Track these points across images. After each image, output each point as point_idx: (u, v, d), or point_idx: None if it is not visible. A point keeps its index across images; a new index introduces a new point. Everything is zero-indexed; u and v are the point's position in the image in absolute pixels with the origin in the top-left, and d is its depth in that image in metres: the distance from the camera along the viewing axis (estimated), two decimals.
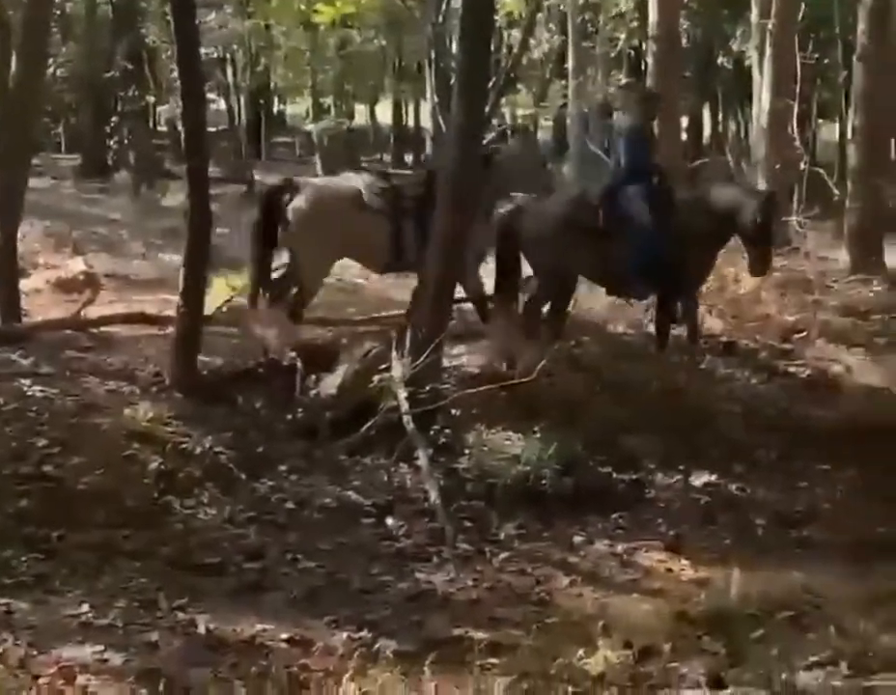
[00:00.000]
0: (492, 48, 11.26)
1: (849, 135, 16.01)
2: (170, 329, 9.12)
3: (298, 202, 9.64)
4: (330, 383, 8.51)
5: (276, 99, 36.46)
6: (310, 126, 27.31)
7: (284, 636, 5.46)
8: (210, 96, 29.17)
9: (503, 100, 16.74)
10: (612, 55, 23.68)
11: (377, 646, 5.22)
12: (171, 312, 9.29)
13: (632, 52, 26.40)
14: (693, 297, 10.30)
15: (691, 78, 28.58)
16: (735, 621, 5.06)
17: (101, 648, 5.15)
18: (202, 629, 5.49)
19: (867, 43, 13.86)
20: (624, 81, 11.58)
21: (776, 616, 5.14)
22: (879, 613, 5.11)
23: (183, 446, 7.61)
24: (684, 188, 11.30)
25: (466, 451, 8.03)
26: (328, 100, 27.58)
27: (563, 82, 21.92)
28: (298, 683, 4.52)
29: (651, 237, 9.68)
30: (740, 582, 6.32)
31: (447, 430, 8.20)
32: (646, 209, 9.80)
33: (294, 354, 9.02)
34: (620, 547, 7.37)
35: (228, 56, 28.48)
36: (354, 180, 10.07)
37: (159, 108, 28.73)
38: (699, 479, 8.56)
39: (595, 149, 18.16)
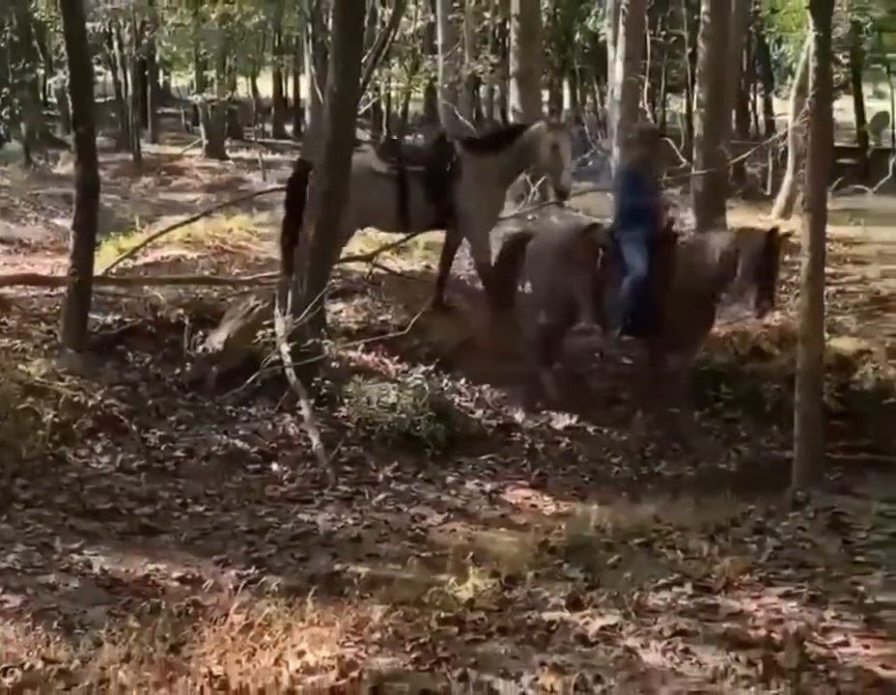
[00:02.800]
0: (366, 24, 11.08)
1: (694, 107, 16.18)
2: (61, 289, 8.90)
3: None
4: (216, 339, 8.43)
5: (161, 72, 35.65)
6: (194, 98, 26.85)
7: (175, 575, 5.42)
8: (98, 68, 28.46)
9: (377, 73, 16.63)
10: (478, 32, 23.65)
11: (262, 581, 5.21)
12: (62, 273, 9.09)
13: (497, 29, 26.41)
14: (688, 356, 9.04)
15: (551, 54, 28.74)
16: (592, 549, 5.16)
17: (0, 590, 5.05)
18: (97, 570, 5.42)
19: (710, 22, 14.06)
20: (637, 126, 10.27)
21: (629, 543, 5.24)
22: (719, 538, 5.25)
23: (76, 399, 7.47)
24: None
25: (346, 400, 8.03)
26: (211, 73, 27.05)
27: (433, 57, 21.83)
28: (188, 617, 4.48)
29: (643, 285, 8.58)
30: (597, 514, 6.47)
31: (328, 382, 8.18)
32: (641, 255, 8.68)
33: (181, 311, 8.91)
34: (489, 486, 7.48)
35: (114, 30, 27.80)
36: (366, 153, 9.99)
37: (49, 80, 27.95)
38: (560, 423, 8.69)
39: (464, 120, 18.17)
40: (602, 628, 4.15)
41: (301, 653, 3.83)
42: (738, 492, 6.79)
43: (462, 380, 8.90)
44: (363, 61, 9.31)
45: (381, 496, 7.00)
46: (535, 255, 9.23)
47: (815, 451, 6.77)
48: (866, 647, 4.01)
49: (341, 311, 9.79)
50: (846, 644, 4.05)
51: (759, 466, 7.91)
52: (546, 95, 27.77)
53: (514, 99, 14.54)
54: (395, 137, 10.72)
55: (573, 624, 4.20)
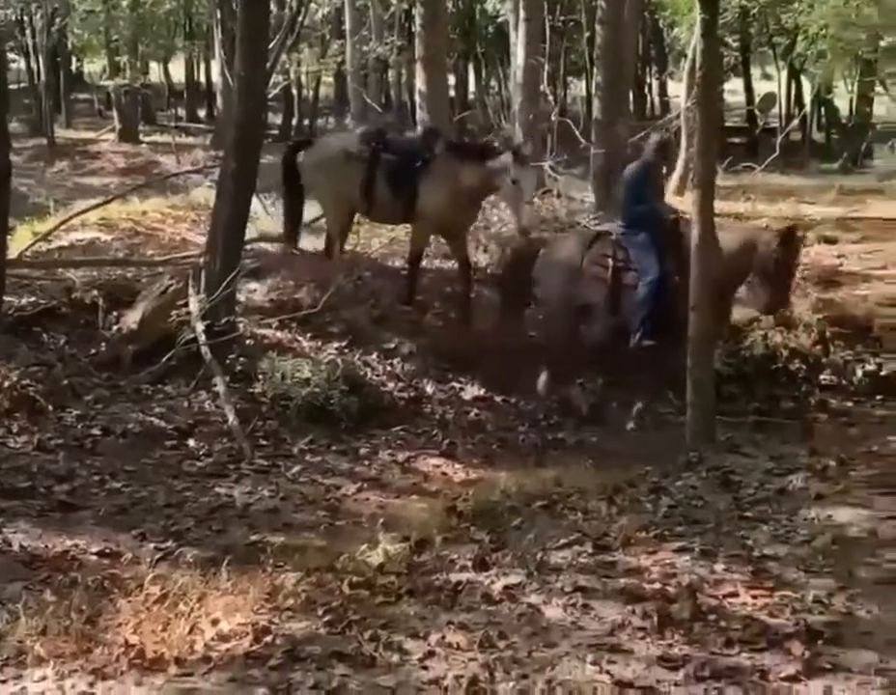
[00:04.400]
0: (274, 9, 10.96)
1: (593, 90, 16.31)
2: None
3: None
4: (131, 318, 8.30)
5: (74, 58, 34.91)
6: (107, 83, 26.36)
7: (94, 550, 5.34)
8: (11, 56, 27.78)
9: (286, 58, 16.42)
10: (385, 18, 23.53)
11: (178, 552, 5.17)
12: None
13: (403, 15, 26.30)
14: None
15: (457, 39, 28.71)
16: (498, 512, 5.21)
17: None
18: (16, 547, 5.31)
19: (606, 7, 14.16)
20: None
21: (533, 506, 5.31)
22: (618, 499, 5.34)
23: None
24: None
25: (261, 377, 7.98)
26: (123, 58, 26.57)
27: (341, 41, 21.68)
28: (104, 590, 4.42)
29: (658, 288, 8.33)
30: (503, 480, 6.53)
31: (243, 359, 8.12)
32: (653, 259, 8.42)
33: (96, 293, 8.75)
34: (401, 456, 7.50)
35: (26, 17, 27.19)
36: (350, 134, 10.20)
37: None
38: (470, 393, 8.74)
39: (371, 103, 18.09)
40: (507, 587, 4.20)
41: (216, 622, 3.81)
42: (635, 454, 6.93)
43: (374, 355, 8.89)
44: (270, 46, 9.22)
45: (297, 468, 6.97)
46: (544, 267, 8.85)
47: (707, 414, 6.91)
48: (754, 597, 4.11)
49: (255, 290, 9.70)
50: (735, 594, 4.15)
51: (657, 430, 8.01)
52: (451, 78, 27.77)
53: (420, 83, 14.48)
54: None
55: (479, 584, 4.24)
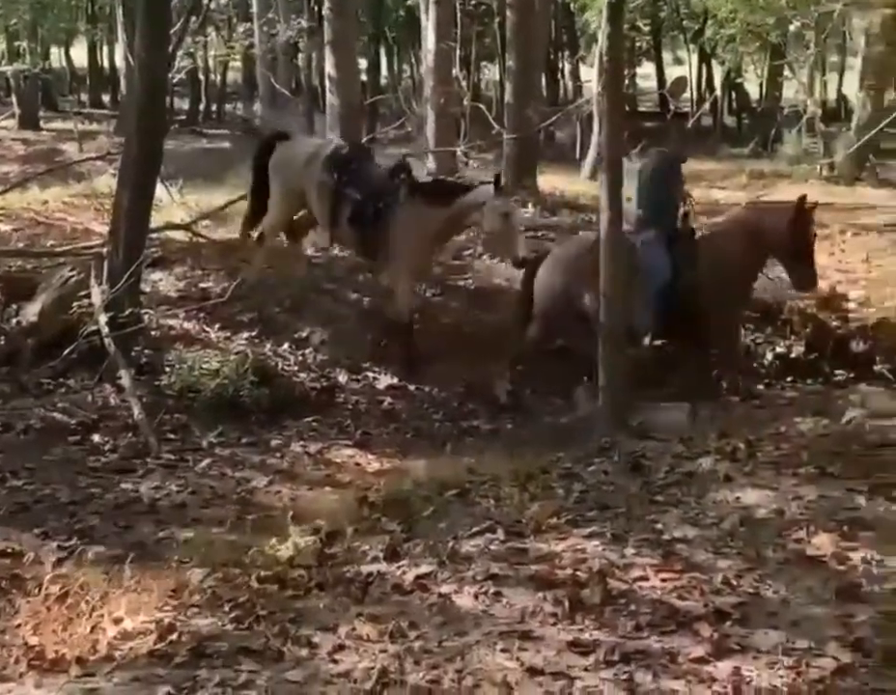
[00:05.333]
0: None
1: (505, 74, 16.39)
2: None
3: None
4: (31, 311, 8.15)
5: None
6: (5, 69, 25.77)
7: None
8: None
9: (190, 41, 16.21)
10: (293, 0, 23.35)
11: (79, 550, 5.08)
12: None
13: None
14: (730, 347, 8.51)
15: (367, 22, 28.61)
16: (410, 502, 5.22)
17: None
18: None
19: None
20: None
21: (445, 495, 5.32)
22: (530, 485, 5.38)
23: None
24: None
25: (168, 369, 7.88)
26: (23, 43, 26.00)
27: (248, 25, 21.45)
28: (3, 591, 4.33)
29: (669, 286, 8.19)
30: (416, 469, 6.54)
31: (148, 351, 8.01)
32: (663, 257, 8.28)
33: None
34: (314, 447, 7.47)
35: None
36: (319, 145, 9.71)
37: None
38: (383, 383, 8.73)
39: (280, 88, 17.93)
40: (418, 577, 4.20)
41: (119, 620, 3.76)
42: (549, 441, 6.99)
43: (286, 345, 8.84)
44: (173, 30, 9.08)
45: (206, 462, 6.91)
46: (548, 276, 8.64)
47: (619, 399, 6.99)
48: (663, 580, 4.17)
49: (160, 280, 9.58)
50: (645, 578, 4.20)
51: (571, 417, 8.08)
52: (363, 62, 27.65)
53: (330, 67, 14.39)
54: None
55: (390, 575, 4.24)
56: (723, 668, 3.52)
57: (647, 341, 8.37)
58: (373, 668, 3.46)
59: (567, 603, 3.93)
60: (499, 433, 8.08)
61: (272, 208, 9.59)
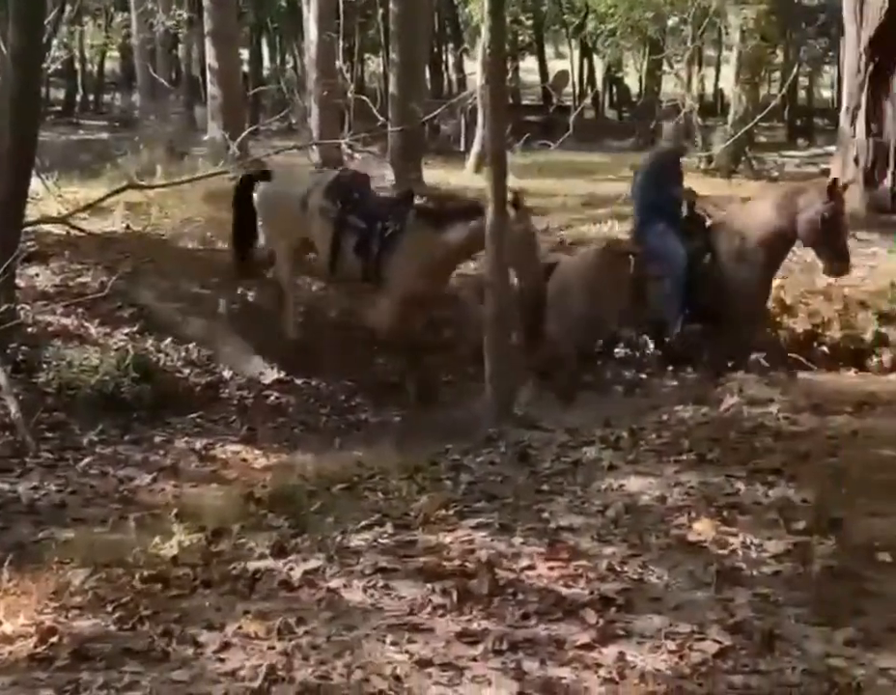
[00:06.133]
0: None
1: (381, 65, 16.41)
2: None
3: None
4: None
5: None
6: None
7: None
8: None
9: (66, 30, 15.78)
10: None
11: None
12: None
13: None
14: (747, 333, 8.39)
15: (248, 12, 28.28)
16: (297, 497, 5.18)
17: None
18: None
19: None
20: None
21: (333, 489, 5.30)
22: (418, 477, 5.39)
23: None
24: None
25: (45, 366, 7.69)
26: None
27: (126, 14, 21.01)
28: None
29: (687, 274, 8.17)
30: (304, 464, 6.50)
31: (24, 348, 7.80)
32: (675, 245, 8.25)
33: None
34: (199, 443, 7.38)
35: None
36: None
37: None
38: (269, 377, 8.66)
39: (160, 79, 17.62)
40: (306, 572, 4.17)
41: None
42: (438, 434, 7.02)
43: (168, 340, 8.69)
44: (48, 19, 8.84)
45: (87, 461, 6.77)
46: (562, 284, 8.58)
47: (505, 390, 7.05)
48: (550, 568, 4.21)
49: (37, 274, 9.34)
50: (532, 567, 4.24)
51: (460, 408, 8.12)
52: (244, 53, 27.35)
53: (211, 58, 14.21)
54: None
55: (277, 571, 4.20)
56: (608, 654, 3.58)
57: (678, 328, 8.26)
58: (260, 666, 3.42)
59: (455, 594, 3.94)
60: (388, 426, 8.09)
61: (277, 254, 9.24)
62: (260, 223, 9.41)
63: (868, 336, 9.02)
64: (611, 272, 8.42)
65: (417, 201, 9.47)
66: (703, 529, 4.59)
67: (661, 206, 8.36)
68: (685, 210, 8.53)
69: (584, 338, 8.60)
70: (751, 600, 3.96)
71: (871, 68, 13.24)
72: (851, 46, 13.75)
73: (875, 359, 8.71)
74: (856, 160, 13.61)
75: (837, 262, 7.93)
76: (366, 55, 29.93)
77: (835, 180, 8.18)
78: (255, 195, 9.31)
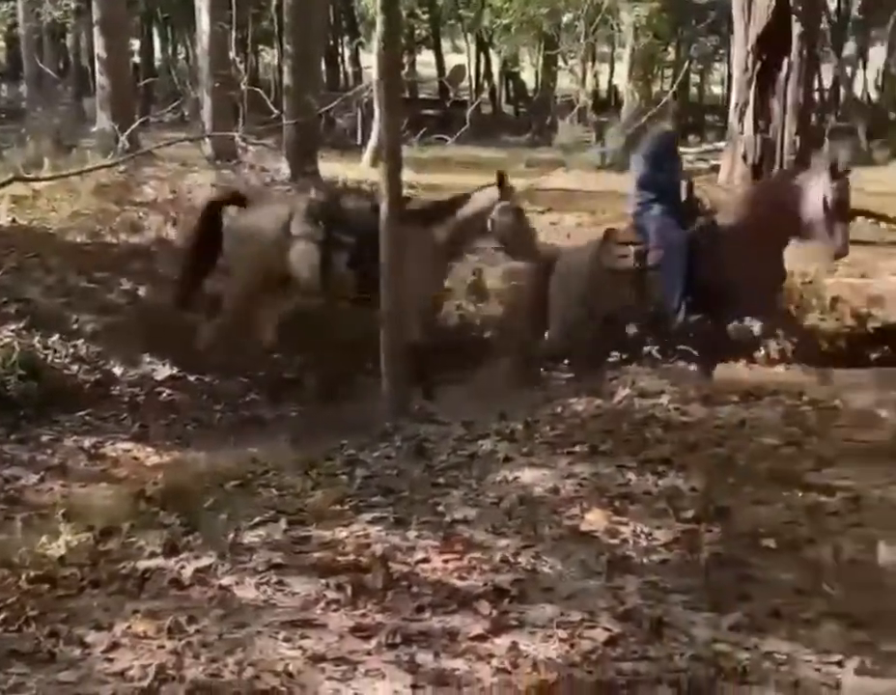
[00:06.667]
0: None
1: (276, 58, 16.30)
2: None
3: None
4: None
5: None
6: None
7: None
8: None
9: None
10: None
11: None
12: None
13: None
14: (772, 309, 8.34)
15: (139, 3, 27.80)
16: (189, 494, 5.13)
17: None
18: None
19: None
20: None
21: (226, 486, 5.26)
22: (313, 473, 5.38)
23: None
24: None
25: None
26: None
27: (12, 3, 20.49)
28: None
29: (686, 258, 8.04)
30: (197, 461, 6.44)
31: None
32: (674, 230, 8.15)
33: None
34: (88, 442, 7.26)
35: None
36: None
37: None
38: (161, 373, 8.55)
39: (47, 69, 17.23)
40: (198, 570, 4.13)
41: None
42: (334, 429, 7.00)
43: (56, 336, 8.52)
44: None
45: None
46: (563, 279, 8.45)
47: (402, 384, 7.07)
48: (445, 561, 4.24)
49: None
50: (427, 560, 4.26)
51: (358, 403, 8.11)
52: (135, 43, 26.90)
53: (99, 48, 13.94)
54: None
55: (168, 569, 4.15)
56: (501, 644, 3.62)
57: (682, 316, 8.09)
58: (150, 665, 3.39)
59: (349, 589, 3.94)
60: (284, 422, 8.04)
61: (237, 283, 8.72)
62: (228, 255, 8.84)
63: (756, 329, 9.23)
64: (611, 260, 8.34)
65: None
66: (595, 519, 4.66)
67: (660, 189, 8.25)
68: (684, 194, 8.43)
69: (584, 331, 8.42)
70: (641, 588, 4.04)
71: (759, 65, 13.56)
72: (739, 44, 14.06)
73: (762, 351, 8.90)
74: (745, 156, 13.94)
75: (840, 242, 7.86)
76: (260, 47, 29.62)
77: (835, 162, 8.07)
78: (228, 224, 8.82)
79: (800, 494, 5.00)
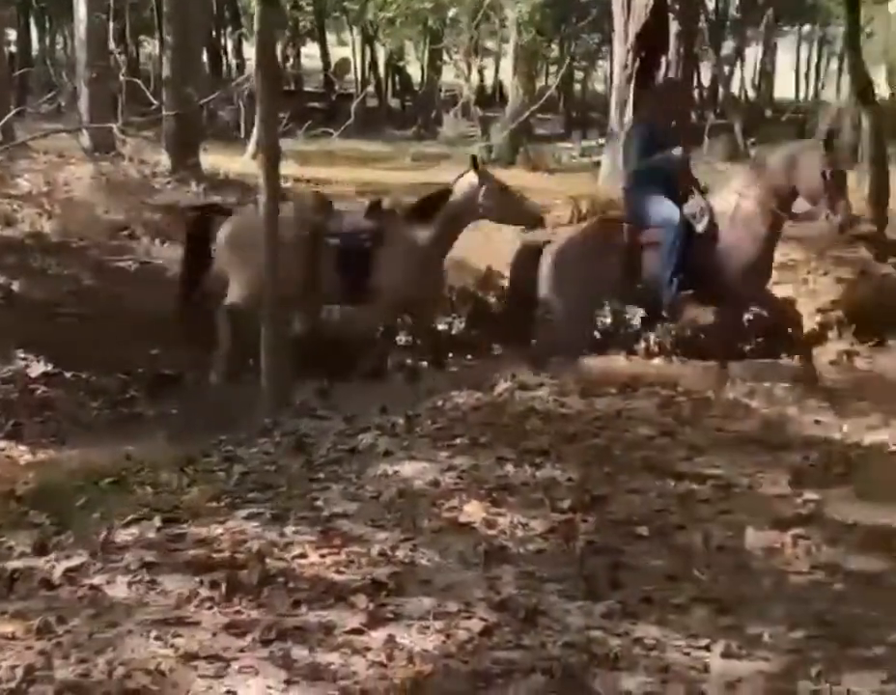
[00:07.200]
0: None
1: (157, 48, 16.06)
2: None
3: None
4: None
5: None
6: None
7: None
8: None
9: None
10: None
11: None
12: None
13: None
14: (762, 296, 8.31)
15: None
16: (61, 493, 5.03)
17: None
18: None
19: None
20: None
21: (101, 484, 5.16)
22: (189, 470, 5.30)
23: None
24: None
25: None
26: None
27: None
28: None
29: (681, 235, 7.96)
30: (71, 459, 6.31)
31: None
32: (668, 207, 8.08)
33: None
34: None
35: None
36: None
37: None
38: (36, 370, 8.36)
39: None
40: (68, 570, 4.04)
41: None
42: (213, 425, 6.93)
43: None
44: None
45: None
46: (558, 263, 8.35)
47: (281, 379, 7.03)
48: (322, 556, 4.23)
49: None
50: (304, 555, 4.24)
51: (239, 399, 8.03)
52: (11, 33, 26.21)
53: None
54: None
55: (38, 569, 4.06)
56: (378, 637, 3.62)
57: (674, 292, 8.04)
58: (18, 666, 3.31)
59: (224, 586, 3.90)
60: (164, 419, 7.92)
61: (244, 286, 8.43)
62: (225, 266, 8.69)
63: (636, 322, 9.44)
64: (605, 241, 8.30)
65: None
66: (473, 511, 4.70)
67: (653, 170, 8.20)
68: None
69: (584, 315, 8.55)
70: (517, 578, 4.09)
71: (638, 63, 13.79)
72: (619, 41, 14.28)
73: (642, 343, 9.10)
74: None
75: (842, 216, 7.75)
76: (141, 37, 29.13)
77: (830, 132, 8.33)
78: (223, 233, 8.69)
79: (673, 483, 5.13)
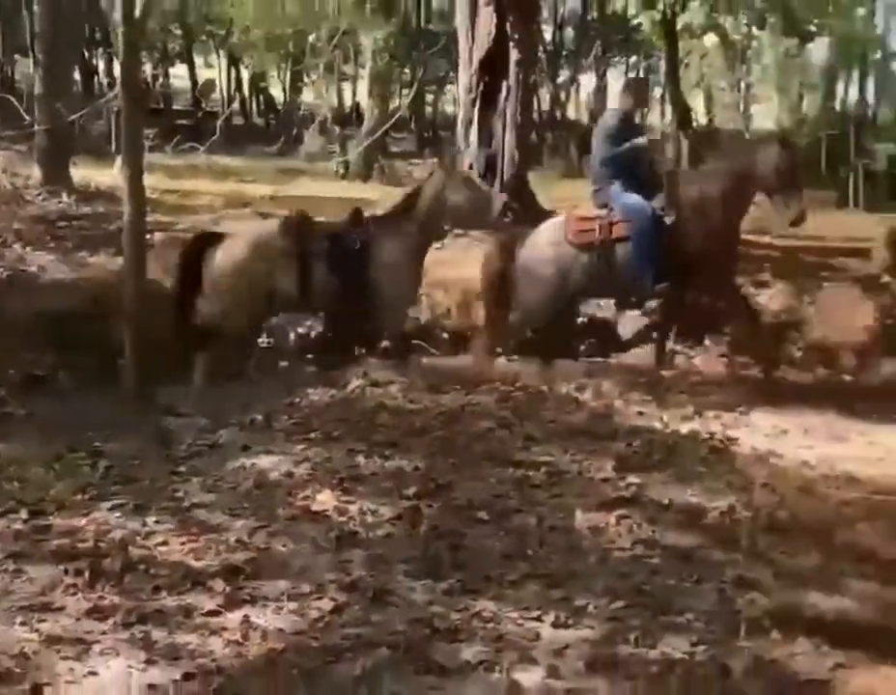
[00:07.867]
0: None
1: (31, 66, 15.52)
2: None
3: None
4: None
5: None
6: None
7: None
8: None
9: None
10: None
11: None
12: None
13: None
14: (729, 288, 7.89)
15: None
16: None
17: None
18: None
19: None
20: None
21: None
22: (56, 466, 5.11)
23: None
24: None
25: None
26: None
27: None
28: None
29: (652, 226, 7.57)
30: None
31: None
32: (637, 201, 7.64)
33: None
34: None
35: None
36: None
37: None
38: None
39: None
40: None
41: None
42: (82, 423, 6.71)
43: None
44: None
45: None
46: (529, 261, 7.92)
47: (143, 376, 6.85)
48: (182, 543, 4.18)
49: None
50: (165, 543, 4.19)
51: (107, 397, 7.80)
52: None
53: None
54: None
55: None
56: (234, 618, 3.60)
57: (649, 283, 7.63)
58: None
59: (88, 573, 3.82)
60: (33, 418, 7.63)
61: (237, 312, 7.85)
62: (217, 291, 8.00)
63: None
64: (575, 237, 7.86)
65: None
66: (326, 499, 4.69)
67: (621, 163, 7.82)
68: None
69: (555, 310, 8.02)
70: (366, 560, 4.11)
71: (482, 87, 13.89)
72: (464, 67, 14.36)
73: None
74: (471, 167, 14.26)
75: (795, 209, 7.50)
76: (16, 56, 28.15)
77: (786, 132, 7.98)
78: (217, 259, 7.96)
79: (510, 470, 5.20)
